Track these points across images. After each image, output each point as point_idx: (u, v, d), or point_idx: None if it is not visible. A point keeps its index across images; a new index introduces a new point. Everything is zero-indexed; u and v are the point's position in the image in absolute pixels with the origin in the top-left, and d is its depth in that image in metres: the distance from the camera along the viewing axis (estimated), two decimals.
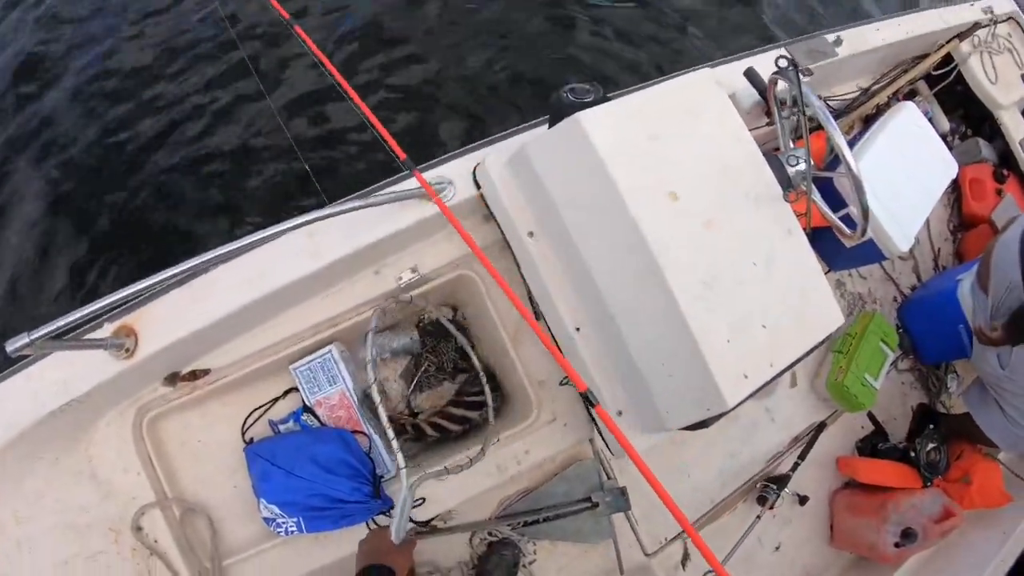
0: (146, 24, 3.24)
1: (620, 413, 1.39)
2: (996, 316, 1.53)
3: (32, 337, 0.98)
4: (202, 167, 2.88)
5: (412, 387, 1.61)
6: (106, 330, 1.32)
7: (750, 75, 1.70)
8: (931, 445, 1.96)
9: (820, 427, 1.99)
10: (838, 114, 2.15)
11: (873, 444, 2.06)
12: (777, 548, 1.92)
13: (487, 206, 1.49)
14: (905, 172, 1.84)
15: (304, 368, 1.51)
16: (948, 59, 2.42)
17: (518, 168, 1.39)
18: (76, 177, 2.82)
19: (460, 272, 1.58)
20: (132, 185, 2.80)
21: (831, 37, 2.11)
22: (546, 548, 1.66)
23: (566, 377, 1.19)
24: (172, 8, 3.29)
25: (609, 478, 1.63)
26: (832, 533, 2.00)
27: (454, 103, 3.18)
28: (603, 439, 1.53)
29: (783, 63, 1.23)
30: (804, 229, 1.31)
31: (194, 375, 1.44)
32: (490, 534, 1.61)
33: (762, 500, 1.83)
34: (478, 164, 1.49)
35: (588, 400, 1.00)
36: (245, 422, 1.52)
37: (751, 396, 1.15)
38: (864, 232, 1.29)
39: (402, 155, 1.30)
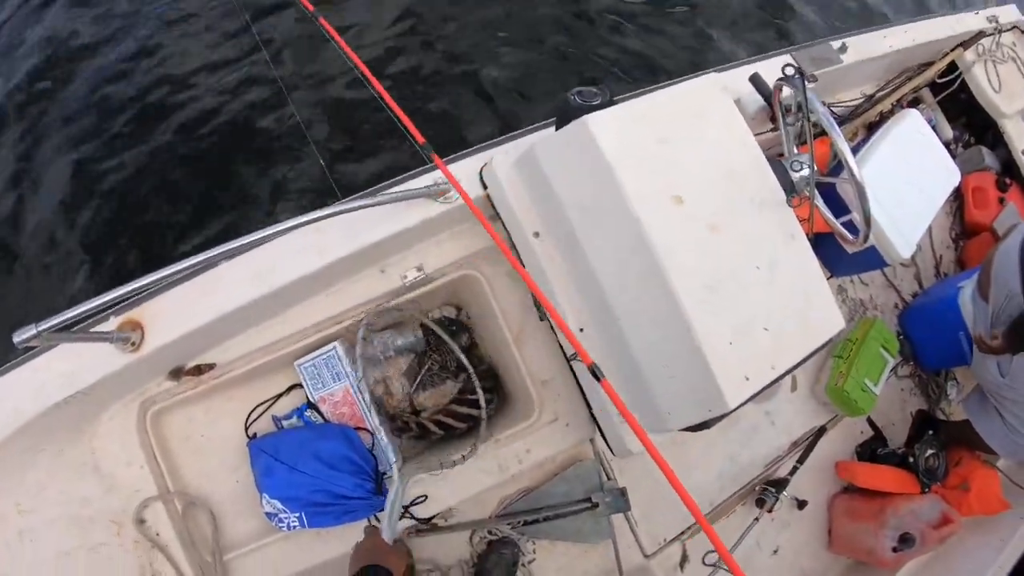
0: (168, 16, 3.27)
1: None
2: (996, 324, 1.53)
3: (39, 329, 0.98)
4: (214, 162, 2.89)
5: (415, 385, 1.62)
6: (112, 323, 1.33)
7: (755, 81, 1.71)
8: (930, 451, 1.97)
9: (820, 431, 2.00)
10: (842, 120, 2.16)
11: (872, 449, 2.07)
12: (775, 551, 1.92)
13: (493, 206, 1.50)
14: (908, 179, 1.85)
15: (308, 364, 1.52)
16: (952, 67, 2.43)
17: (525, 169, 1.40)
18: (87, 171, 2.84)
19: (464, 272, 1.59)
20: (142, 179, 2.82)
21: (836, 44, 2.12)
22: (545, 548, 1.67)
23: (574, 353, 1.21)
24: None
25: (609, 479, 1.64)
26: (830, 537, 2.01)
27: (474, 98, 3.17)
28: (604, 439, 1.53)
29: (789, 70, 1.24)
30: (807, 234, 1.32)
31: (199, 370, 1.45)
32: (490, 533, 1.62)
33: (761, 503, 1.84)
34: (485, 164, 1.50)
35: (595, 374, 1.03)
36: (249, 417, 1.53)
37: (752, 398, 1.16)
38: (866, 238, 1.29)
39: (421, 139, 1.31)
